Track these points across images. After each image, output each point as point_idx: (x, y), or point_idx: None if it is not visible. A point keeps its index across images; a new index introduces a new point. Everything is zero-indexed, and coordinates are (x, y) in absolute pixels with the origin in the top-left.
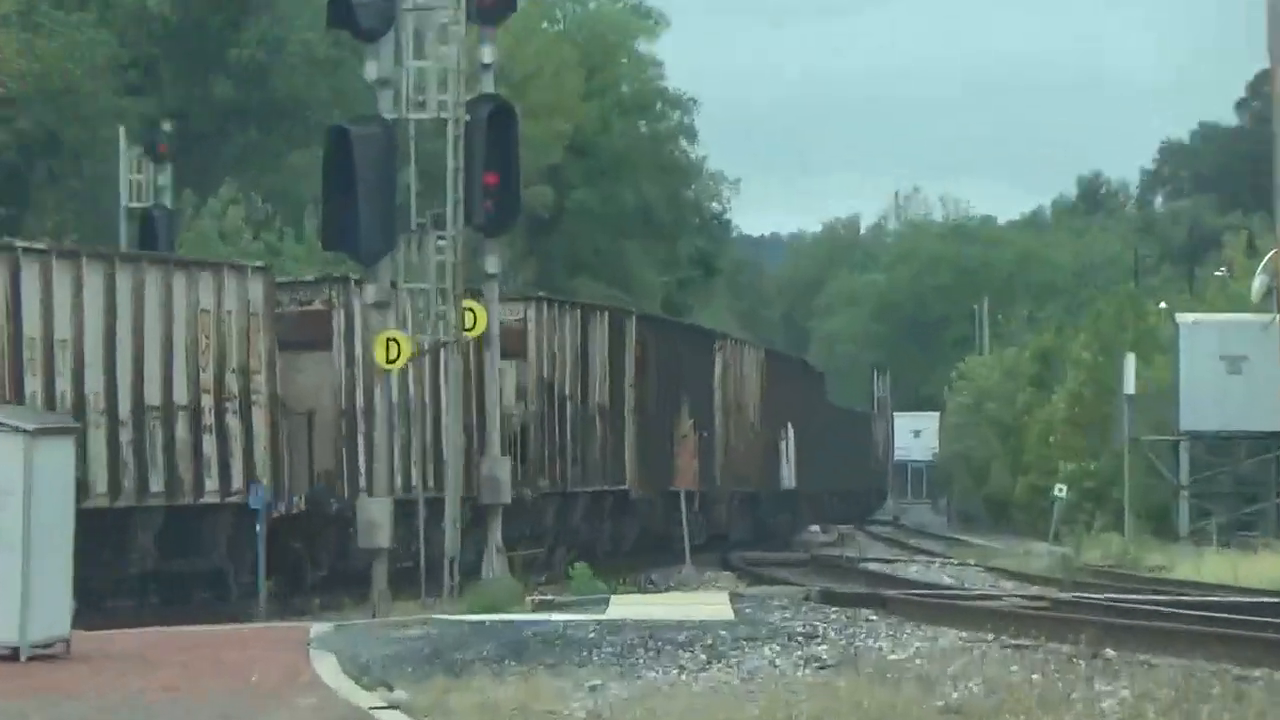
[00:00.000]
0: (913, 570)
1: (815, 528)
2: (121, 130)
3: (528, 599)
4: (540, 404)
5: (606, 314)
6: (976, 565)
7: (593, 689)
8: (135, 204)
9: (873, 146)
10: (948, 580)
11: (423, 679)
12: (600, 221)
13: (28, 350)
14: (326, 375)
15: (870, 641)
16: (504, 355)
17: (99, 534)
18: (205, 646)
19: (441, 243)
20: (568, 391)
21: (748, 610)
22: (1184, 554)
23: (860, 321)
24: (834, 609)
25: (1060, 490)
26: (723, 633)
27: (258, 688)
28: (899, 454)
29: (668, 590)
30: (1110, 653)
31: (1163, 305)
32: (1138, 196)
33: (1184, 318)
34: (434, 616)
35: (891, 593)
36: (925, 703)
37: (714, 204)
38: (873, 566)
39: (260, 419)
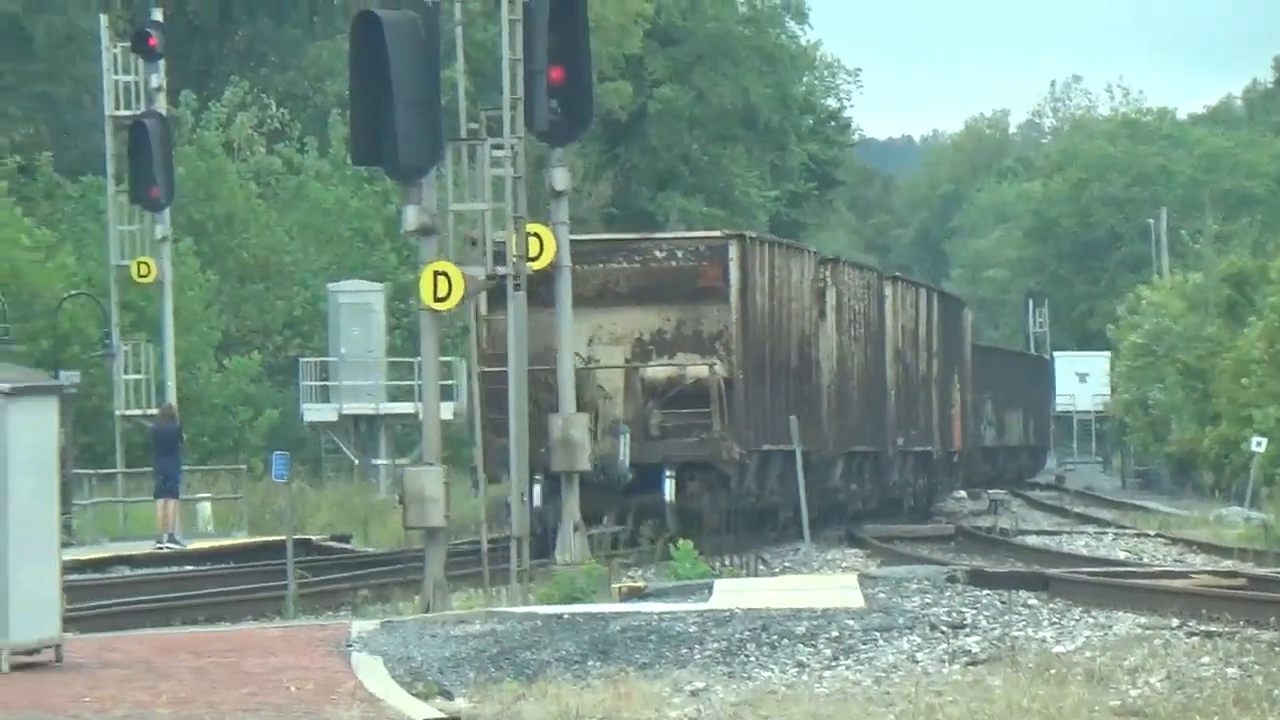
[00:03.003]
0: (1080, 544)
1: (961, 493)
2: (103, 20)
3: (614, 586)
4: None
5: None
6: (1157, 536)
7: (694, 693)
8: (122, 112)
9: (1024, 26)
10: (1122, 555)
11: (488, 684)
12: (691, 124)
13: None
14: None
15: (1029, 631)
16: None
17: None
18: (224, 651)
19: (498, 154)
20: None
21: (880, 595)
22: None
23: (1011, 242)
24: (985, 592)
25: (1258, 444)
26: (850, 623)
27: (291, 702)
28: (1061, 403)
29: (782, 573)
30: None
31: None
32: None
33: None
34: (500, 609)
35: (1055, 571)
36: (1097, 703)
37: (830, 100)
38: (1031, 540)
39: None
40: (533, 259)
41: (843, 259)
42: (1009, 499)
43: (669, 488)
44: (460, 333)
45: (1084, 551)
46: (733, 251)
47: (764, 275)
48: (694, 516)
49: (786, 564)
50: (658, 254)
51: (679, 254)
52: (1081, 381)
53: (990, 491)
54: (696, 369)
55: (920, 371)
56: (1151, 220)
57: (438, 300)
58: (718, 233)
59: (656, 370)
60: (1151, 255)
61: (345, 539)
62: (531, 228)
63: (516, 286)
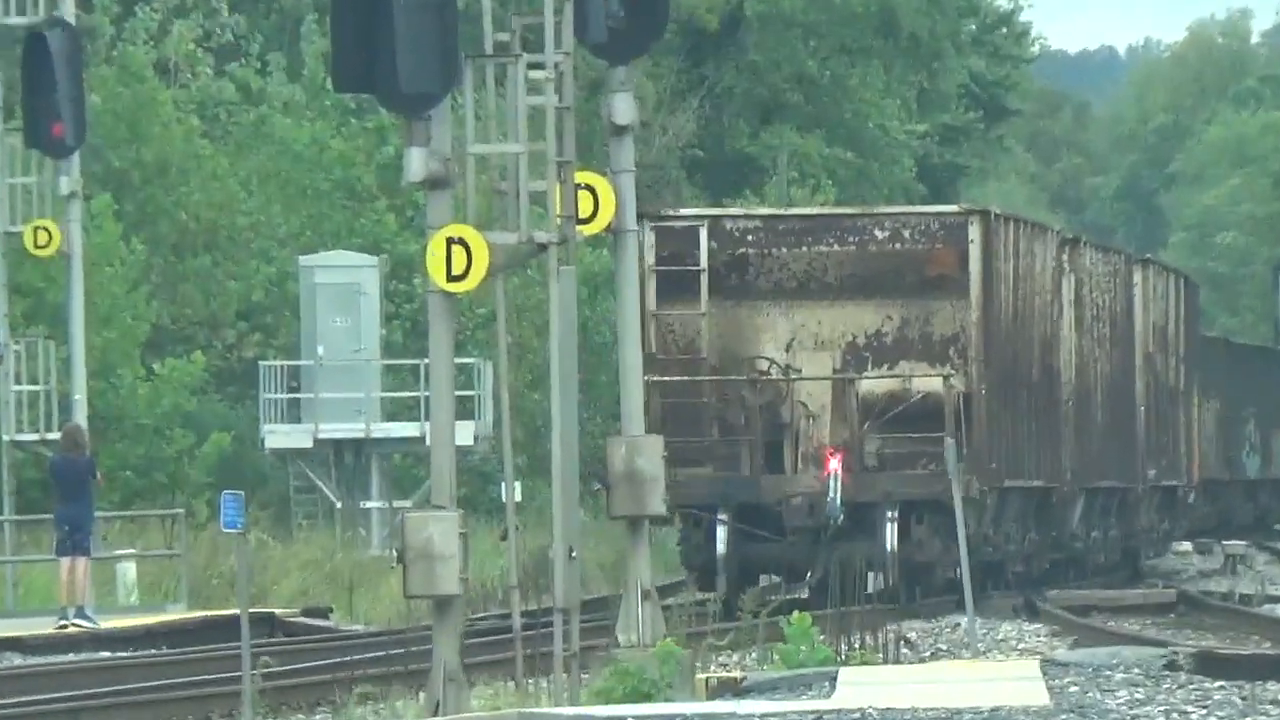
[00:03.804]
0: None
1: (1185, 545)
2: None
3: (699, 676)
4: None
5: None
6: None
7: None
8: (13, 19)
9: None
10: None
11: None
12: (806, 34)
13: None
14: None
15: None
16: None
17: None
18: None
19: (536, 75)
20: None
21: (1072, 689)
22: None
23: (1254, 193)
24: (1219, 684)
25: None
26: None
27: None
28: None
29: (933, 657)
30: None
31: None
32: None
33: None
34: (539, 711)
35: None
36: None
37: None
38: None
39: None
40: (584, 220)
41: (1084, 239)
42: (1253, 553)
43: (890, 533)
44: (483, 323)
45: None
46: (973, 231)
47: (1009, 262)
48: (921, 570)
49: (940, 645)
50: (878, 234)
51: (905, 234)
52: None
53: (1226, 544)
54: (926, 381)
55: (1169, 382)
56: None
57: (452, 279)
58: (954, 208)
59: (874, 383)
60: None
61: (323, 613)
62: (583, 177)
63: (561, 259)
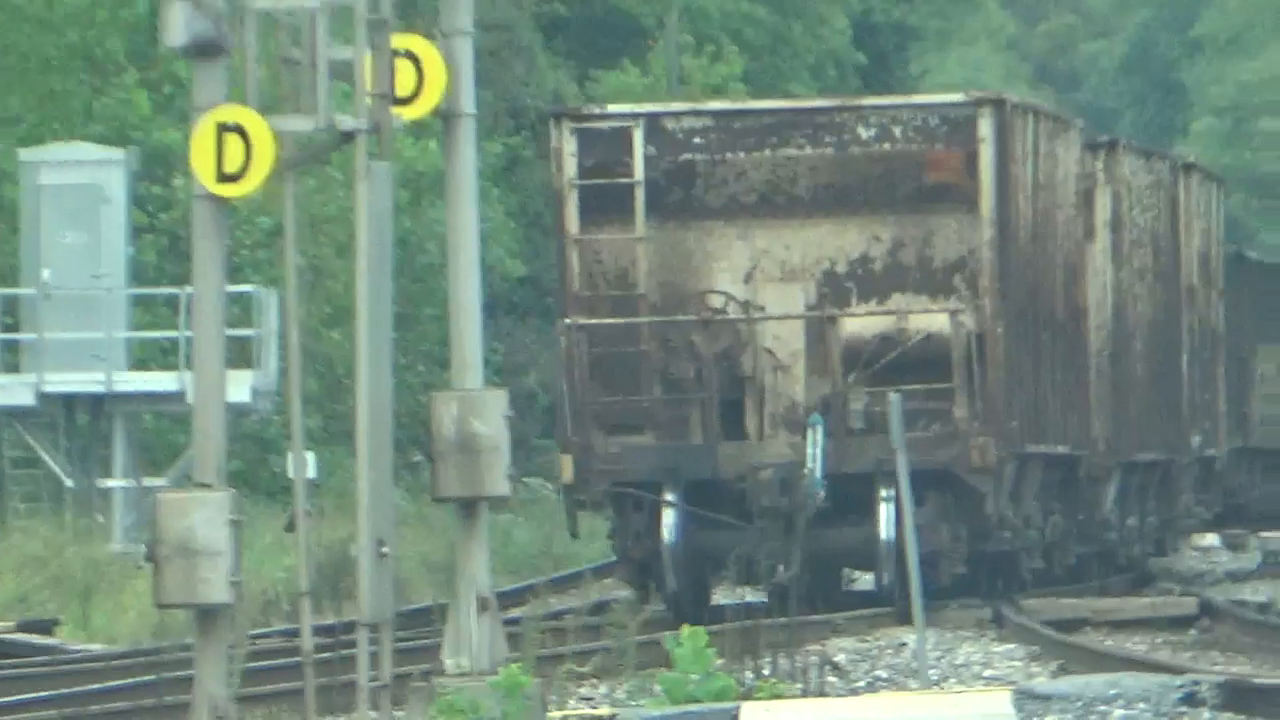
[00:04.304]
0: None
1: (1211, 537)
2: None
3: (553, 714)
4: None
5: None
6: None
7: None
8: None
9: None
10: None
11: None
12: None
13: None
14: None
15: None
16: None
17: None
18: None
19: None
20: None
21: None
22: None
23: None
24: None
25: None
26: None
27: None
28: None
29: (870, 688)
30: None
31: None
32: None
33: None
34: None
35: None
36: None
37: None
38: None
39: None
40: (404, 100)
41: (1122, 141)
42: None
43: (886, 516)
44: (267, 240)
45: None
46: (985, 126)
47: (1027, 165)
48: (925, 564)
49: (879, 672)
50: (861, 131)
51: (897, 131)
52: None
53: (1266, 536)
54: (927, 319)
55: (1211, 324)
56: None
57: (225, 179)
58: (959, 96)
59: (861, 322)
60: None
61: (47, 628)
62: (402, 41)
63: (373, 153)
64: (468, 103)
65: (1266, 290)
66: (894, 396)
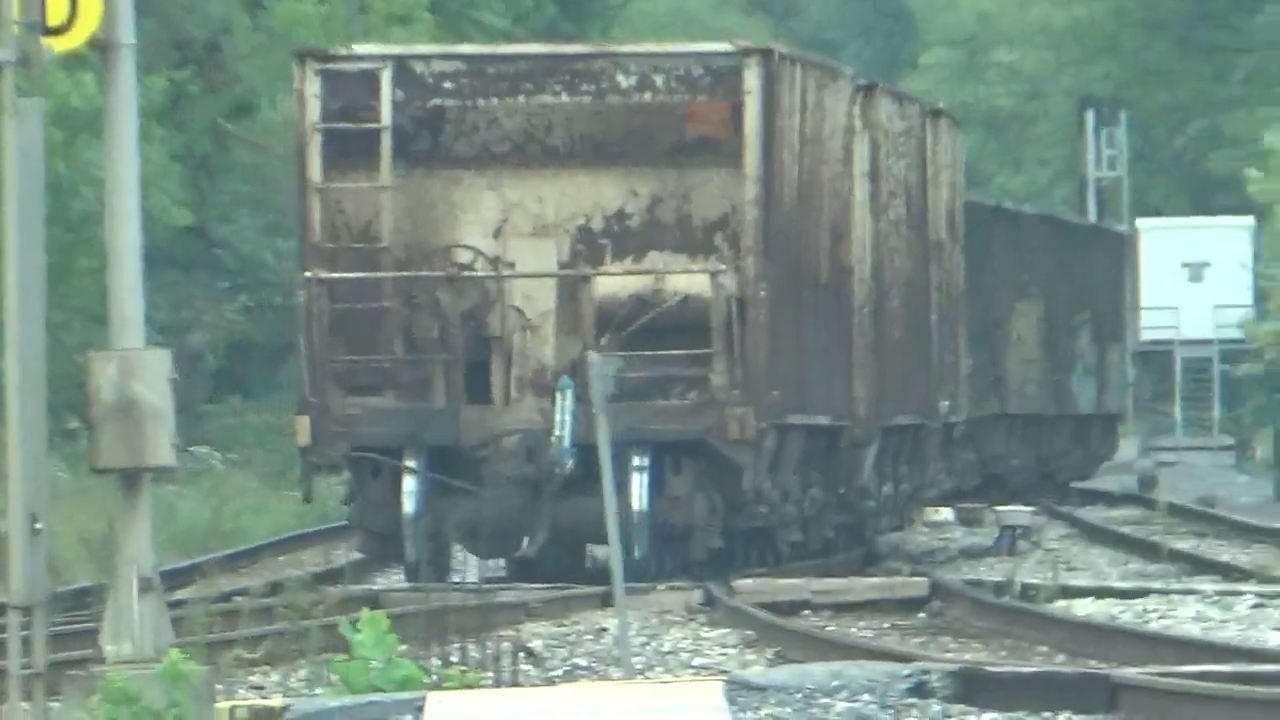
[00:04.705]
0: (1187, 615)
1: (946, 511)
2: None
3: (223, 705)
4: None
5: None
6: None
7: None
8: None
9: None
10: (1275, 639)
11: None
12: None
13: None
14: None
15: None
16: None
17: None
18: None
19: None
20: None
21: None
22: None
23: None
24: (989, 716)
25: None
26: None
27: None
28: (1152, 326)
29: (568, 676)
30: None
31: None
32: None
33: None
34: None
35: (1128, 674)
36: None
37: None
38: (1084, 608)
39: None
40: (56, 30)
41: (880, 85)
42: (1042, 524)
43: (639, 486)
44: None
45: (1194, 632)
46: (751, 78)
47: (794, 119)
48: (678, 536)
49: (578, 659)
50: (621, 79)
51: (658, 81)
52: (1194, 280)
53: (1003, 510)
54: (686, 279)
55: (955, 278)
56: None
57: None
58: (725, 46)
59: (616, 281)
60: None
61: None
62: None
63: (22, 88)
64: (127, 32)
65: (1019, 243)
66: (595, 358)
